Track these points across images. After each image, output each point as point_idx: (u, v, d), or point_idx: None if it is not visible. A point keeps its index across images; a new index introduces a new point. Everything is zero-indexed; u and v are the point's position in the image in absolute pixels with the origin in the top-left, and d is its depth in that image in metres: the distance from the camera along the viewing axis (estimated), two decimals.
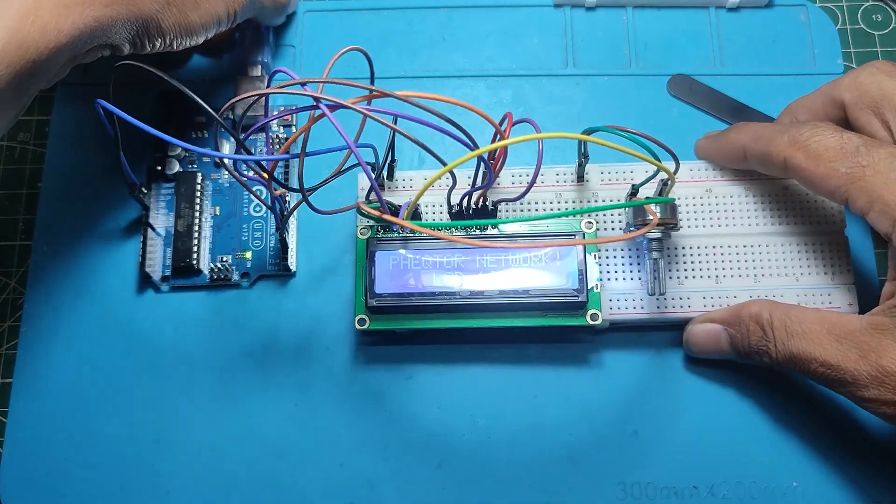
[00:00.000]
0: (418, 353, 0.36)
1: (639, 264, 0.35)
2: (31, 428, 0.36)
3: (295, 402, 0.36)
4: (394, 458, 0.35)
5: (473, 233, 0.34)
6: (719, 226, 0.36)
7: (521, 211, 0.36)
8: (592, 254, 0.34)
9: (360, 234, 0.35)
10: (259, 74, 0.39)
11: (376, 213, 0.31)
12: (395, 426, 0.35)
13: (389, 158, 0.35)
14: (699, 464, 0.35)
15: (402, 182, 0.37)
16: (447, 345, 0.36)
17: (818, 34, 0.41)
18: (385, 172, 0.36)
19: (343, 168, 0.32)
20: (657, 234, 0.34)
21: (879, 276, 0.37)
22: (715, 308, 0.35)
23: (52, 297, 0.37)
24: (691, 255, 0.35)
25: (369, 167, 0.33)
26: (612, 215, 0.36)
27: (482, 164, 0.31)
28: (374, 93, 0.28)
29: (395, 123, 0.29)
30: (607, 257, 0.35)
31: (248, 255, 0.38)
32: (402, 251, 0.34)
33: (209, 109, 0.28)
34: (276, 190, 0.32)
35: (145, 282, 0.37)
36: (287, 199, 0.36)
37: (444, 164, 0.29)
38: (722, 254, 0.35)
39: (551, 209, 0.36)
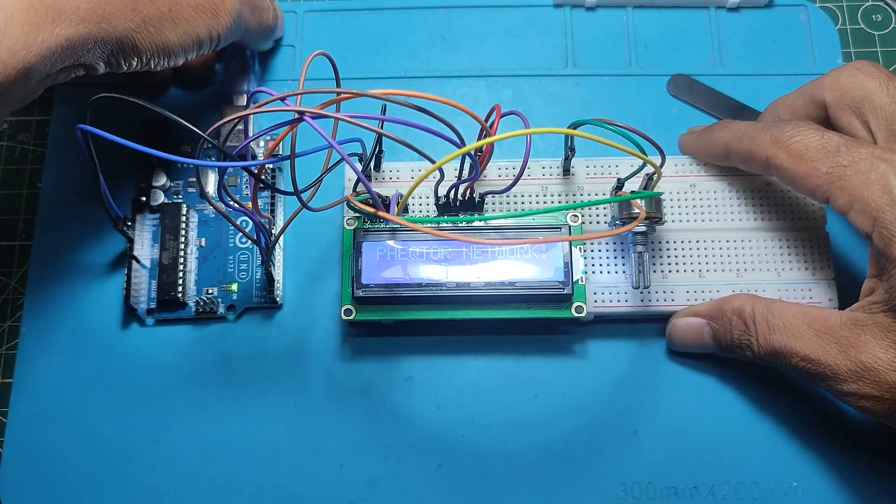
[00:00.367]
0: (412, 349, 0.36)
1: (623, 258, 0.36)
2: (31, 428, 0.36)
3: (294, 402, 0.36)
4: (393, 458, 0.35)
5: (461, 226, 0.35)
6: (703, 221, 0.36)
7: (508, 203, 0.36)
8: (578, 247, 0.35)
9: (347, 224, 0.35)
10: (245, 104, 0.39)
11: (370, 209, 0.31)
12: (395, 425, 0.35)
13: (377, 150, 0.35)
14: (699, 464, 0.35)
15: (389, 174, 0.37)
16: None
17: (818, 34, 0.41)
18: (372, 164, 0.36)
19: (331, 165, 0.32)
20: (642, 228, 0.34)
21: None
22: (698, 302, 0.35)
23: (51, 297, 0.37)
24: (675, 249, 0.36)
25: (356, 161, 0.33)
26: (597, 209, 0.36)
27: (469, 158, 0.32)
28: (345, 95, 0.28)
29: (382, 126, 0.29)
30: (592, 251, 0.36)
31: (234, 287, 0.37)
32: (390, 242, 0.34)
33: (192, 128, 0.27)
34: (261, 214, 0.31)
35: (130, 314, 0.37)
36: (272, 229, 0.35)
37: (432, 161, 0.30)
38: (705, 248, 0.36)
39: (537, 202, 0.36)
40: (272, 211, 0.38)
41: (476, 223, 0.35)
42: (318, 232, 0.38)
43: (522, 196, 0.36)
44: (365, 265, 0.34)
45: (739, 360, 0.33)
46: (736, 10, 0.41)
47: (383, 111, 0.32)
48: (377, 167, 0.36)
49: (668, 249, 0.36)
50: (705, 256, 0.36)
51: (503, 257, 0.34)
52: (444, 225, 0.35)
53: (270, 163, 0.29)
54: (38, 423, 0.36)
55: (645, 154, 0.30)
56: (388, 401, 0.36)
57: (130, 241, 0.37)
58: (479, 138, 0.32)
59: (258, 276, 0.37)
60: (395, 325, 0.36)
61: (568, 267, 0.33)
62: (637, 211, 0.33)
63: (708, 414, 0.35)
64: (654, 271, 0.35)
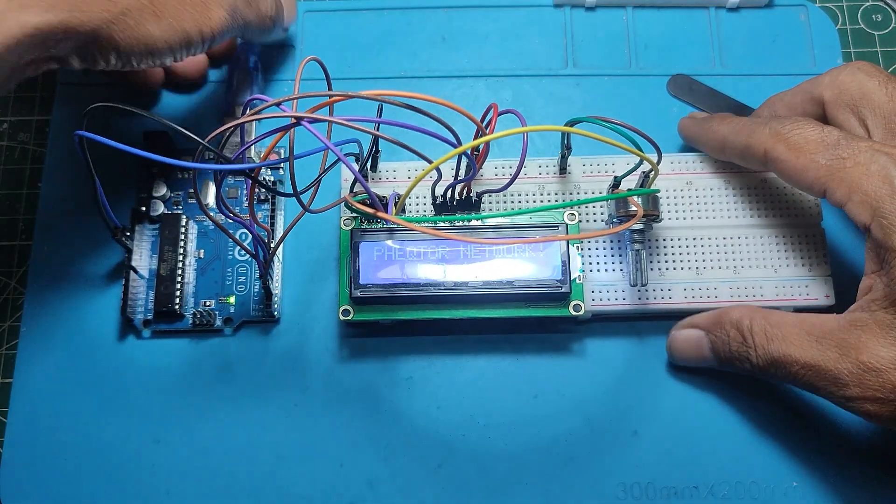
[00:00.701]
0: (411, 349, 0.36)
1: (621, 256, 0.36)
2: (31, 428, 0.36)
3: (294, 402, 0.36)
4: (393, 457, 0.35)
5: (459, 226, 0.35)
6: (699, 218, 0.36)
7: (505, 202, 0.36)
8: (575, 245, 0.35)
9: (344, 224, 0.35)
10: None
11: (368, 209, 0.31)
12: (395, 425, 0.35)
13: (374, 150, 0.35)
14: (699, 464, 0.35)
15: (386, 174, 0.37)
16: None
17: (818, 34, 0.41)
18: (368, 164, 0.36)
19: (328, 165, 0.32)
20: (639, 226, 0.34)
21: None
22: (696, 299, 0.35)
23: (51, 297, 0.37)
24: (672, 246, 0.36)
25: (354, 161, 0.33)
26: (594, 206, 0.36)
27: (465, 158, 0.32)
28: (336, 97, 0.28)
29: (378, 129, 0.29)
30: (590, 249, 0.36)
31: (232, 299, 0.37)
32: (388, 242, 0.34)
33: (191, 135, 0.27)
34: (260, 227, 0.31)
35: (127, 325, 0.37)
36: (271, 242, 0.35)
37: (429, 160, 0.30)
38: (702, 246, 0.36)
39: (534, 201, 0.36)
40: (272, 222, 0.37)
41: (473, 222, 0.35)
42: (315, 233, 0.38)
43: (519, 195, 0.36)
44: (362, 265, 0.33)
45: (739, 374, 0.33)
46: (736, 10, 0.41)
47: (379, 112, 0.32)
48: (374, 167, 0.36)
49: (665, 247, 0.36)
50: (702, 254, 0.36)
51: (501, 256, 0.34)
52: (442, 224, 0.35)
53: (268, 165, 0.29)
54: (38, 423, 0.36)
55: (641, 151, 0.30)
56: (388, 401, 0.36)
57: (129, 251, 0.36)
58: (475, 138, 0.32)
59: (256, 290, 0.37)
60: (394, 326, 0.36)
61: (565, 265, 0.33)
62: (634, 209, 0.33)
63: (708, 414, 0.35)
64: (652, 269, 0.35)
